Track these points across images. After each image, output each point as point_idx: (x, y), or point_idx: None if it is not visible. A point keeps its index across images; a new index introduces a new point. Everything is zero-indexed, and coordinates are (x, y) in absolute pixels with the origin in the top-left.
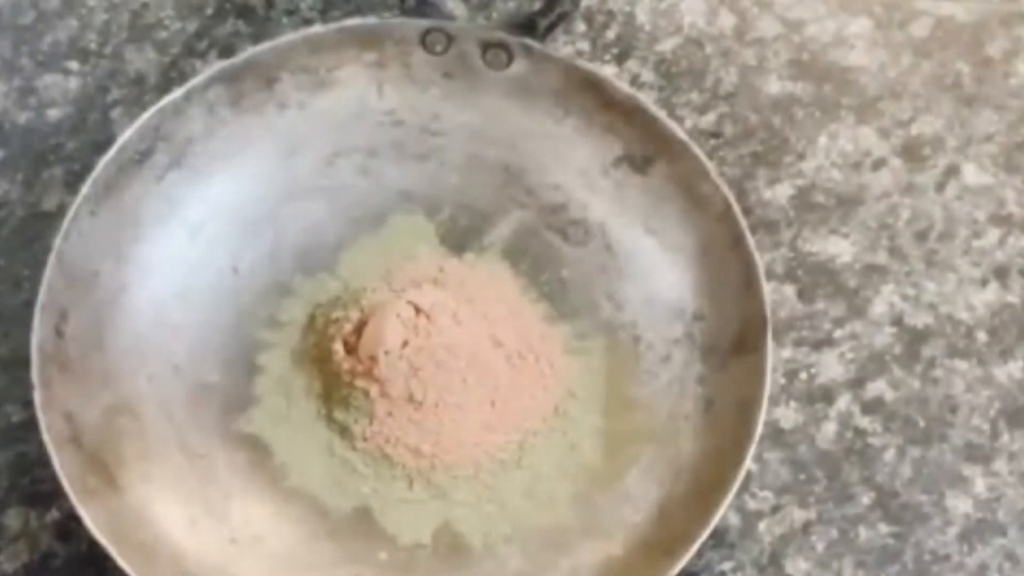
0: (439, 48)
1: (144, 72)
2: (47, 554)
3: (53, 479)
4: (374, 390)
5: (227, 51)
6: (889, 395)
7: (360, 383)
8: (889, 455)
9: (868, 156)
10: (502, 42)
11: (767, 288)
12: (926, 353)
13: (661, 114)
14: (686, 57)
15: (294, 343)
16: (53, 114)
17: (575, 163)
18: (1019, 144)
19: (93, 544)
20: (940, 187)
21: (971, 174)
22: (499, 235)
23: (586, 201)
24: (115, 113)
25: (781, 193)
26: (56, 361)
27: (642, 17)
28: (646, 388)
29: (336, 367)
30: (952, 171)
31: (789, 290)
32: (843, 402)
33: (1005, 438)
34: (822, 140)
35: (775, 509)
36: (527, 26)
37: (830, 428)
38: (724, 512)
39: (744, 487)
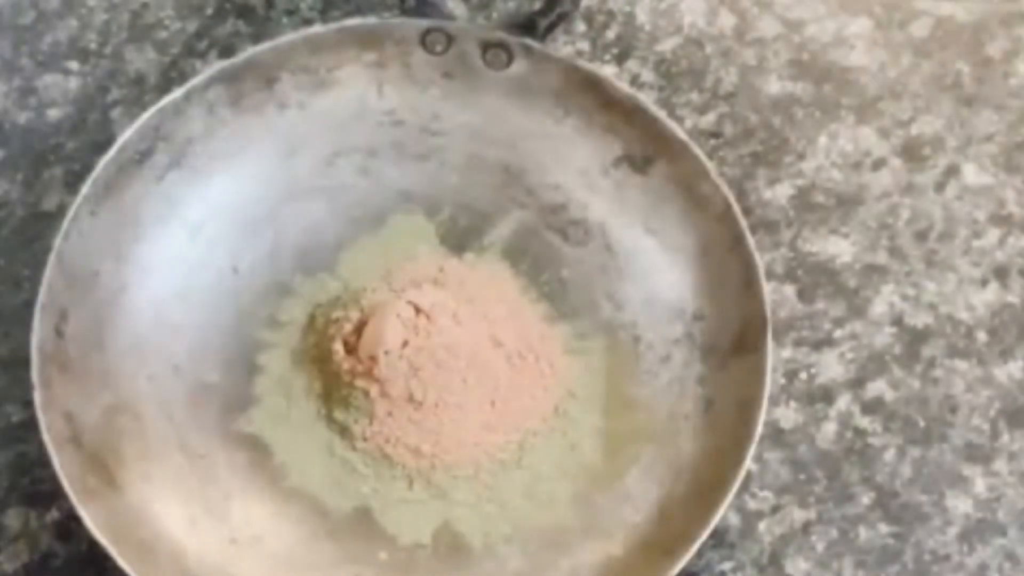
0: (439, 48)
1: (144, 72)
2: (47, 554)
3: (53, 479)
4: (374, 390)
5: (227, 51)
6: (889, 395)
7: (360, 383)
8: (889, 455)
9: (868, 156)
10: (502, 42)
11: (767, 288)
12: (926, 353)
13: (661, 114)
14: (686, 57)
15: (294, 343)
16: (53, 114)
17: (575, 163)
18: (1019, 144)
19: (93, 544)
20: (940, 187)
21: (971, 174)
22: (499, 235)
23: (586, 201)
24: (115, 113)
25: (781, 193)
26: (56, 361)
27: (642, 17)
28: (646, 388)
29: (336, 367)
30: (952, 171)
31: (789, 290)
32: (843, 402)
33: (1005, 438)
34: (822, 140)
35: (775, 509)
36: (527, 26)
37: (830, 428)
38: (724, 512)
39: (744, 487)
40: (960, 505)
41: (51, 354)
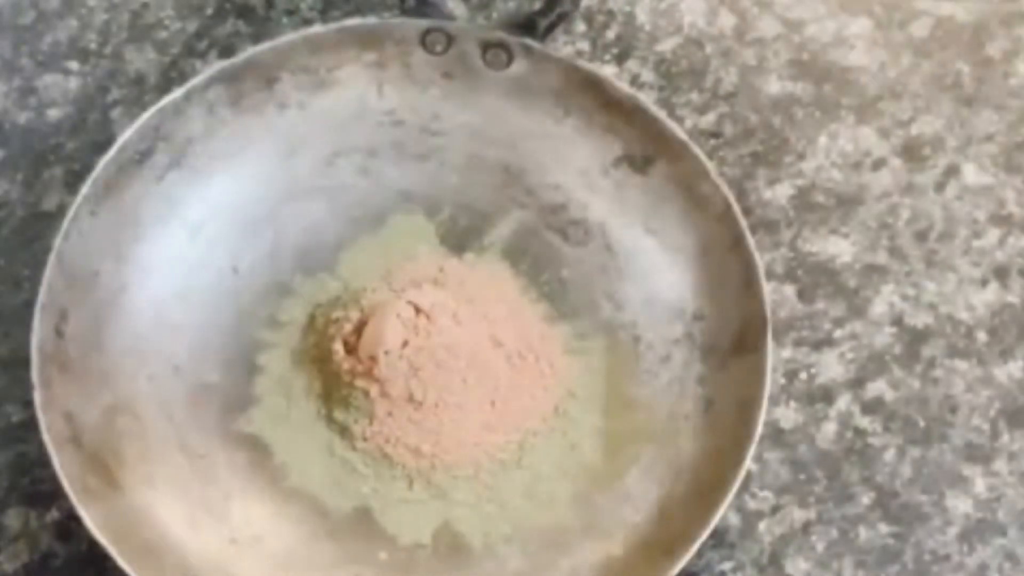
0: (439, 48)
1: (144, 72)
2: (47, 554)
3: (53, 479)
4: (374, 390)
5: (227, 51)
6: (889, 395)
7: (360, 383)
8: (889, 455)
9: (868, 156)
10: (502, 42)
11: (767, 288)
12: (926, 353)
13: (661, 114)
14: (686, 57)
15: (294, 343)
16: (53, 114)
17: (575, 163)
18: (1019, 144)
19: (93, 544)
20: (940, 187)
21: (971, 174)
22: (499, 235)
23: (586, 201)
24: (115, 113)
25: (781, 193)
26: (56, 361)
27: (642, 17)
28: (646, 388)
29: (336, 367)
30: (952, 171)
31: (789, 290)
32: (843, 402)
33: (1005, 438)
34: (822, 140)
35: (775, 509)
36: (527, 26)
37: (830, 428)
38: (724, 512)
39: (744, 487)
40: (960, 505)
41: (51, 354)
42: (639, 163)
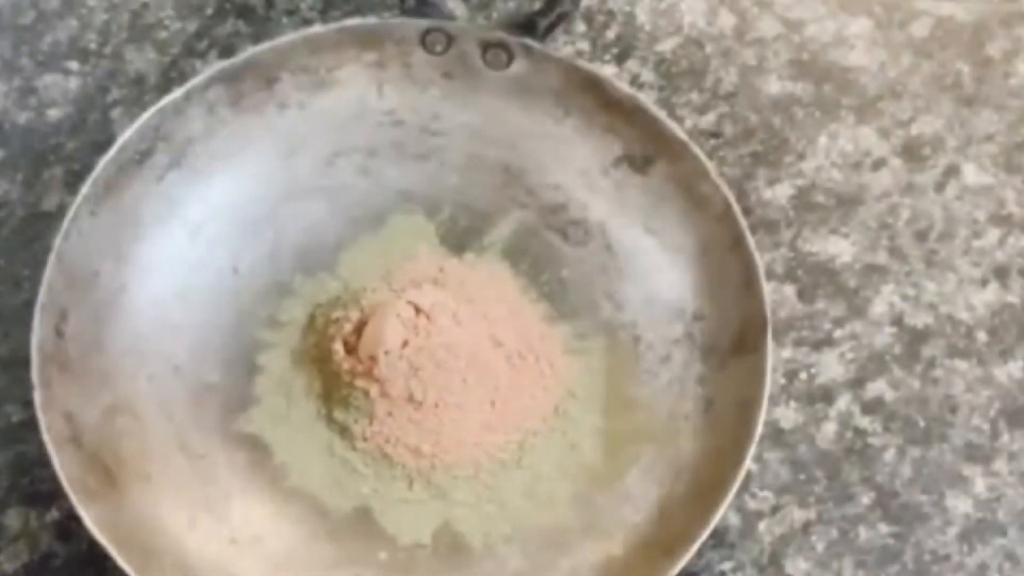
0: (439, 48)
1: (144, 72)
2: (47, 554)
3: (53, 479)
4: (374, 390)
5: (227, 51)
6: (889, 395)
7: (360, 383)
8: (889, 455)
9: (868, 156)
10: (502, 42)
11: (767, 288)
12: (926, 353)
13: (661, 114)
14: (686, 57)
15: (294, 343)
16: (53, 114)
17: (575, 163)
18: (1019, 144)
19: (93, 544)
20: (940, 187)
21: (971, 174)
22: (499, 235)
23: (586, 201)
24: (115, 113)
25: (781, 193)
26: (56, 361)
27: (642, 17)
28: (646, 388)
29: (336, 367)
30: (952, 171)
31: (789, 290)
32: (843, 402)
33: (1005, 438)
34: (822, 140)
35: (775, 509)
36: (527, 26)
37: (830, 428)
38: (724, 512)
39: (744, 487)
40: (960, 505)
41: (51, 354)
42: (639, 163)
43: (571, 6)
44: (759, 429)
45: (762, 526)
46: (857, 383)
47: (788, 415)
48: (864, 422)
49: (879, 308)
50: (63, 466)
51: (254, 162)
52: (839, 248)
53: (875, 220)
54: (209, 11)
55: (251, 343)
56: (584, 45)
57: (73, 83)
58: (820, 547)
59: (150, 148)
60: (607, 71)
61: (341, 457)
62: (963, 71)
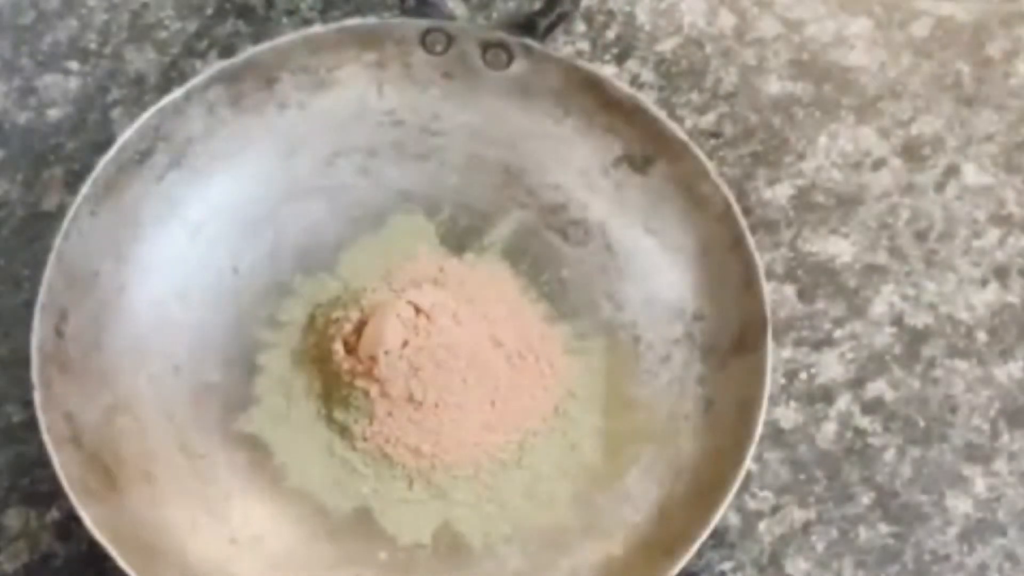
0: (439, 48)
1: (144, 72)
2: (47, 554)
3: (53, 479)
4: (374, 390)
5: (227, 51)
6: (889, 395)
7: (360, 383)
8: (889, 455)
9: (868, 156)
10: (502, 42)
11: (767, 288)
12: (926, 353)
13: (661, 114)
14: (686, 57)
15: (294, 343)
16: (53, 114)
17: (575, 163)
18: (1019, 144)
19: (93, 544)
20: (940, 187)
21: (971, 174)
22: (499, 235)
23: (586, 201)
24: (115, 113)
25: (781, 193)
26: (56, 361)
27: (642, 17)
28: (646, 388)
29: (336, 367)
30: (952, 171)
31: (789, 290)
32: (843, 402)
33: (1005, 438)
34: (822, 140)
35: (775, 509)
36: (527, 26)
37: (830, 428)
38: (724, 512)
39: (744, 487)
40: (960, 505)
41: (51, 354)
42: (639, 163)
43: (571, 6)
44: (759, 429)
45: (762, 526)
46: (857, 383)
47: (788, 415)
48: (864, 422)
49: (879, 308)
50: (63, 466)
51: (254, 162)
52: (839, 248)
53: (875, 220)
54: (209, 11)
55: (251, 343)
56: (584, 45)
57: (73, 83)
58: (820, 547)
59: (150, 148)
60: (607, 71)
61: (341, 457)
62: (963, 71)
